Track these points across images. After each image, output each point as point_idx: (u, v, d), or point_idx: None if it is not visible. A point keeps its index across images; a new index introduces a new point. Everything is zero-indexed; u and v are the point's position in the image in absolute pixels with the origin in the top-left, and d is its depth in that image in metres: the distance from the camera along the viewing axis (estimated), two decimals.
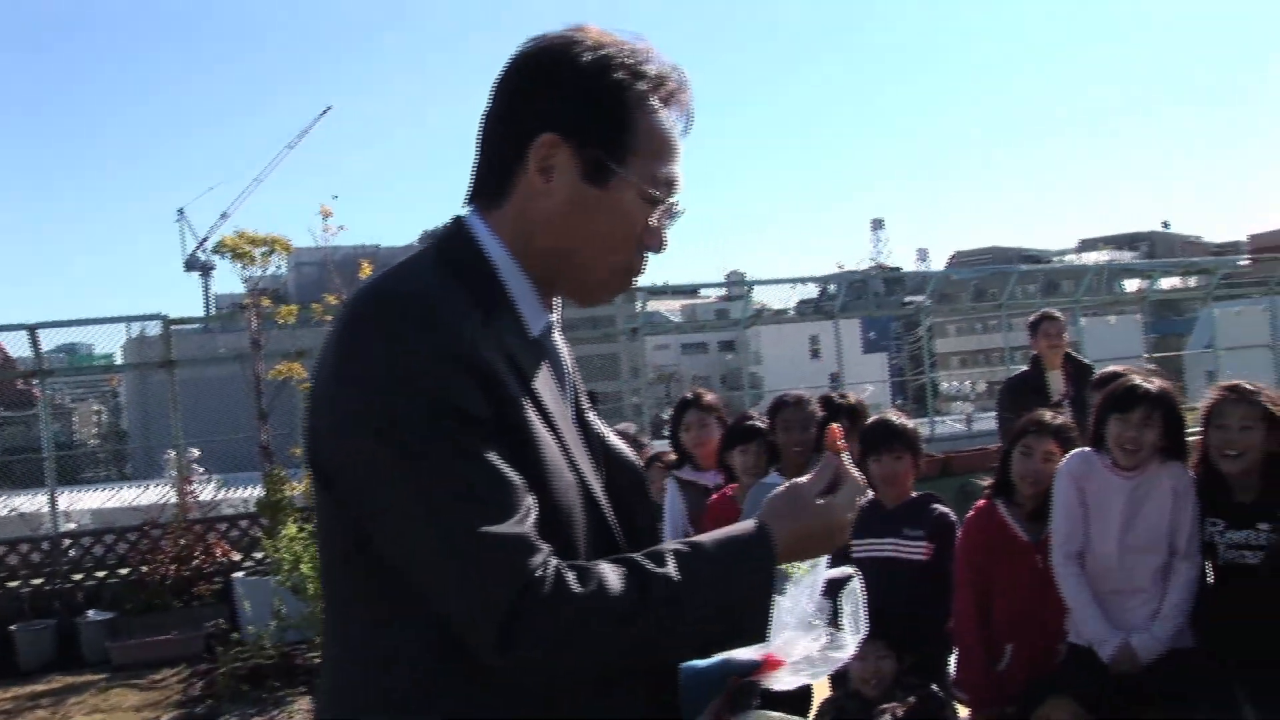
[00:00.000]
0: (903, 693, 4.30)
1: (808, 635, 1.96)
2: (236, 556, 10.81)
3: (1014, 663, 4.44)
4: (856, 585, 2.05)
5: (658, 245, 1.85)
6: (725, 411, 6.12)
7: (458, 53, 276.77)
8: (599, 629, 1.59)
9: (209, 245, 72.31)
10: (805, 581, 1.99)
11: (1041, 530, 4.50)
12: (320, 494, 1.75)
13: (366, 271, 10.56)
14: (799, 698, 4.23)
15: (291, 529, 8.47)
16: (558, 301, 1.90)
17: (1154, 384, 4.28)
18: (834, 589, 2.04)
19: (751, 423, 5.58)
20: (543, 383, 1.76)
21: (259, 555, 10.19)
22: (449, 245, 1.80)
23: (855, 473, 1.89)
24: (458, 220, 1.83)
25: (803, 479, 1.86)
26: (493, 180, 1.81)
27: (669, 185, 1.82)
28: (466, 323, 1.66)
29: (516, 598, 1.55)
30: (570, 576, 1.59)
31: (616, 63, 1.76)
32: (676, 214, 1.86)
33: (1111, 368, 5.62)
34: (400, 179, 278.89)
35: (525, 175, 1.77)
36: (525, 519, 1.60)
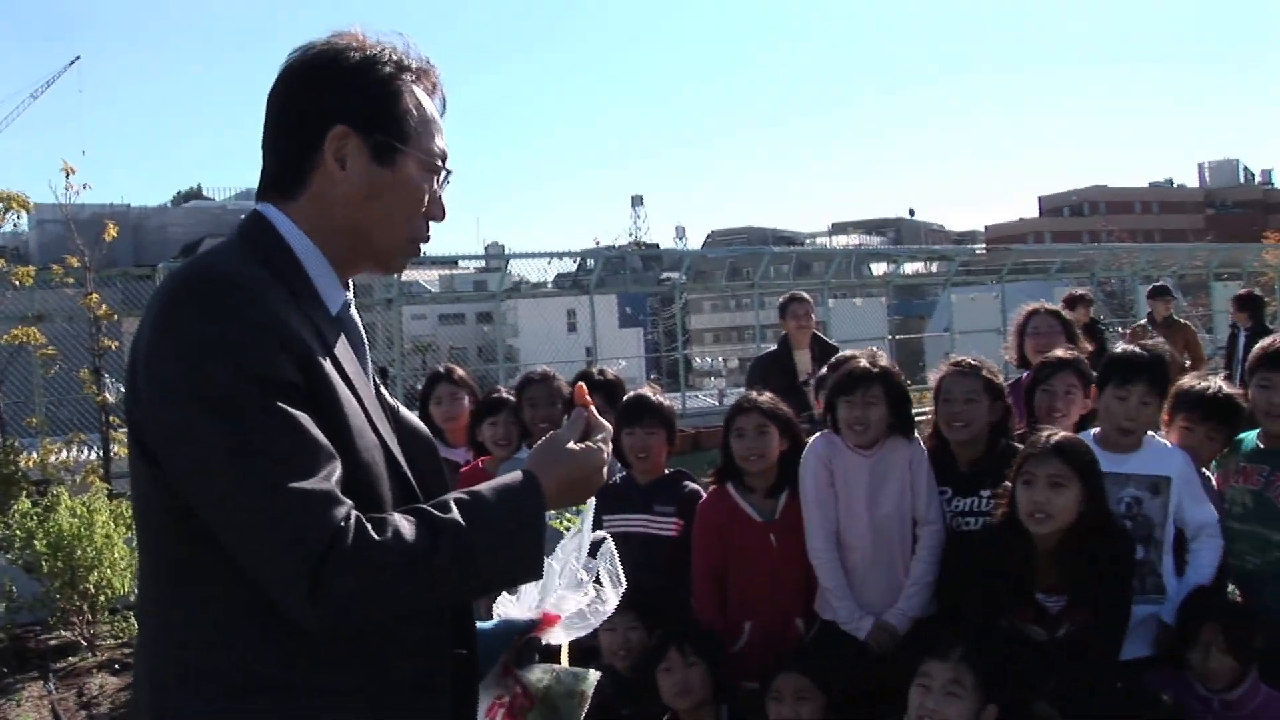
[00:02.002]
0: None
1: (578, 593, 2.23)
2: None
3: (752, 639, 4.55)
4: (610, 546, 2.34)
5: (440, 213, 2.13)
6: (477, 387, 6.14)
7: (212, 9, 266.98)
8: (398, 572, 1.77)
9: None
10: (572, 545, 2.25)
11: (774, 508, 4.63)
12: (139, 464, 1.87)
13: (112, 232, 10.13)
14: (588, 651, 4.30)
15: (24, 504, 8.07)
16: (350, 282, 2.11)
17: (874, 365, 4.49)
18: (591, 550, 2.29)
19: (499, 395, 5.65)
20: (344, 353, 1.95)
21: None
22: (251, 234, 1.98)
23: (603, 421, 2.15)
24: (256, 213, 2.01)
25: (558, 431, 2.10)
26: (288, 175, 2.02)
27: (443, 156, 2.11)
28: (275, 298, 1.83)
29: (324, 549, 1.70)
30: (369, 526, 1.75)
31: (383, 59, 2.03)
32: (450, 179, 2.14)
33: (846, 351, 5.86)
34: (153, 137, 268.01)
35: (323, 167, 2.00)
36: (330, 476, 1.76)
